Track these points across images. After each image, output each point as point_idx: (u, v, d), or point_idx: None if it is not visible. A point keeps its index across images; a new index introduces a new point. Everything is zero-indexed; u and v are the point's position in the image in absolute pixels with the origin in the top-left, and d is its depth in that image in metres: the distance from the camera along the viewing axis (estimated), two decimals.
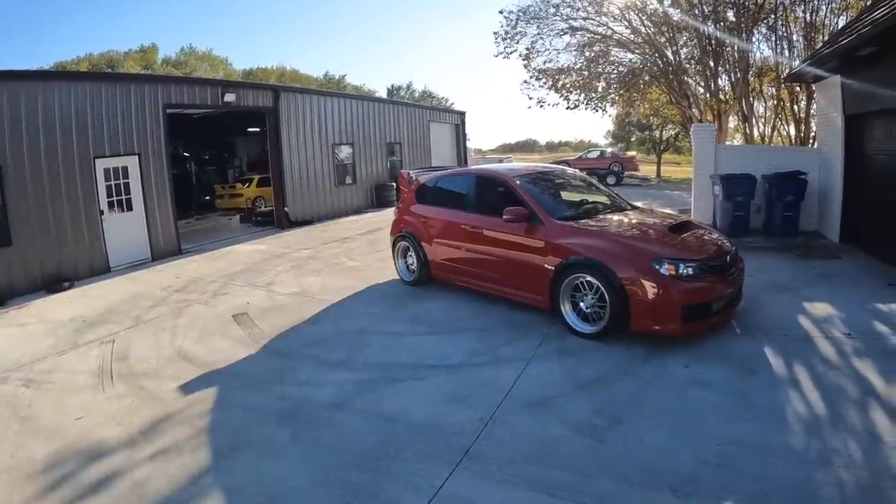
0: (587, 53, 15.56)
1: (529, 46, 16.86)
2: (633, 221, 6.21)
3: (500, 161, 26.77)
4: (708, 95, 13.87)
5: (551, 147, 66.84)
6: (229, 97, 12.63)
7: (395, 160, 18.85)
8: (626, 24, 14.57)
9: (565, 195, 7.04)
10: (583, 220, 6.15)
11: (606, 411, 4.01)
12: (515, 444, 3.70)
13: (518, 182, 6.69)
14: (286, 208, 13.97)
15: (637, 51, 14.51)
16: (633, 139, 40.62)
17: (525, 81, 18.30)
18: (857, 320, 5.52)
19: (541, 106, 18.20)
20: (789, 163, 9.91)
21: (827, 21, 12.46)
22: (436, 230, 7.44)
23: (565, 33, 15.72)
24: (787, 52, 12.60)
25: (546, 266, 5.79)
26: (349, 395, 4.59)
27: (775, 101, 13.80)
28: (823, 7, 12.28)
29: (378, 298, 7.39)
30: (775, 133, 13.59)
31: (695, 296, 5.02)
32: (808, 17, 12.38)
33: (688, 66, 13.80)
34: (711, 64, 12.92)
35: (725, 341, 5.15)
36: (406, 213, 8.09)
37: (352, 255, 10.30)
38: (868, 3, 8.26)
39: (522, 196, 6.42)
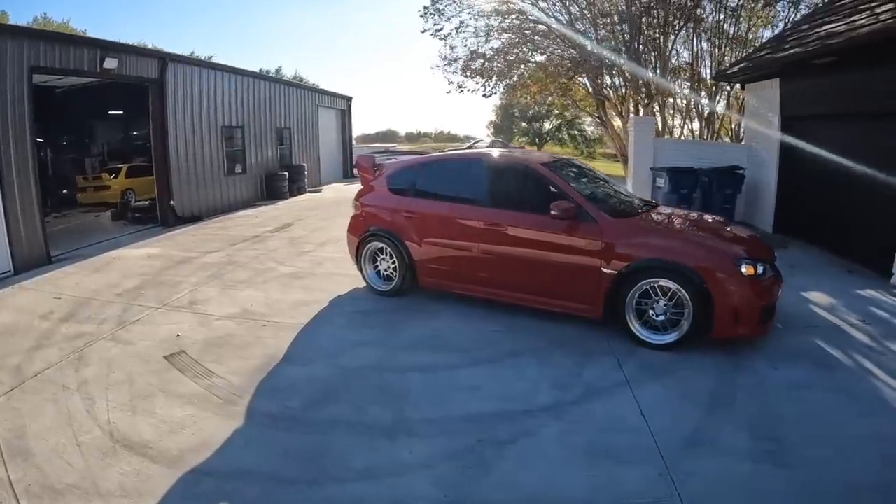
0: (506, 40, 14.52)
1: (458, 26, 15.29)
2: (683, 218, 5.51)
3: (386, 150, 25.07)
4: (624, 91, 13.68)
5: (411, 138, 65.77)
6: (110, 63, 9.48)
7: (285, 148, 16.30)
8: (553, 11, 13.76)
9: (592, 188, 5.82)
10: (635, 218, 5.26)
11: (759, 432, 3.44)
12: (728, 498, 2.87)
13: (551, 170, 5.51)
14: (172, 202, 11.09)
15: (556, 43, 13.84)
16: (515, 130, 40.42)
17: (439, 66, 16.69)
18: (855, 307, 5.55)
19: (460, 91, 16.76)
20: (720, 157, 9.96)
21: (742, 31, 13.00)
22: (428, 228, 5.94)
23: (490, 16, 14.53)
24: (705, 56, 12.98)
25: (604, 270, 4.83)
26: (455, 480, 3.06)
27: (686, 100, 14.06)
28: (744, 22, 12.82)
29: (357, 317, 5.67)
30: (684, 128, 13.95)
31: (769, 295, 4.62)
32: (725, 27, 12.79)
33: (609, 59, 13.42)
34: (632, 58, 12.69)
35: (779, 338, 4.81)
36: (375, 206, 6.41)
37: (278, 258, 8.21)
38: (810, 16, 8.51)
39: (563, 188, 5.27)
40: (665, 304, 4.64)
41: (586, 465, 3.13)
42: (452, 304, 5.88)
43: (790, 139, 8.72)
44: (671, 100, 14.33)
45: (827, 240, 7.90)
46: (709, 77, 13.53)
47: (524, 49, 14.05)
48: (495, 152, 6.39)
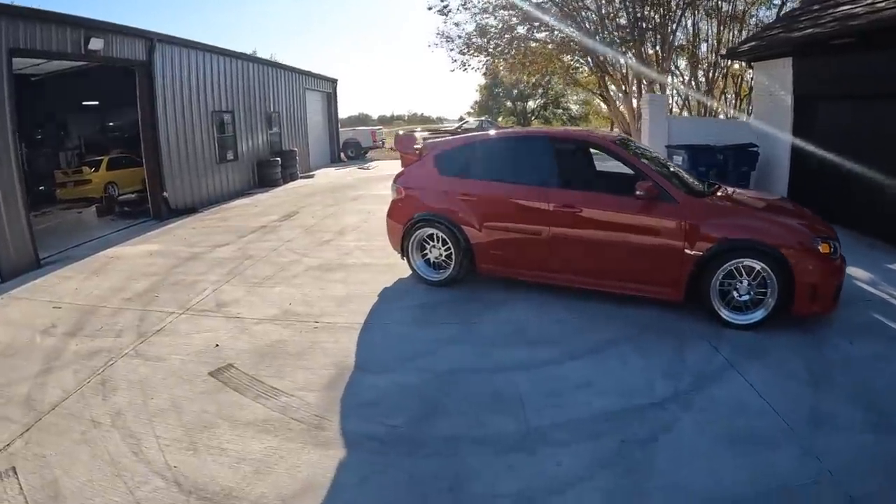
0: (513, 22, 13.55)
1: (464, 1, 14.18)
2: (752, 198, 5.18)
3: (373, 132, 23.88)
4: (626, 69, 12.98)
5: (384, 121, 63.92)
6: (96, 44, 8.06)
7: (275, 133, 15.01)
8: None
9: (659, 167, 5.18)
10: (709, 197, 4.80)
11: (865, 405, 3.25)
12: (871, 469, 2.69)
13: (624, 148, 5.01)
14: (165, 193, 9.86)
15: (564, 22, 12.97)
16: (501, 110, 39.19)
17: (438, 43, 15.56)
18: (892, 281, 5.37)
19: (464, 69, 15.72)
20: (733, 135, 9.46)
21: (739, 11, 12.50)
22: (490, 211, 5.19)
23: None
24: (704, 35, 12.45)
25: (687, 252, 4.43)
26: (622, 488, 2.57)
27: (688, 77, 13.54)
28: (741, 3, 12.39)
29: (419, 312, 4.85)
30: (683, 106, 13.44)
31: (841, 273, 4.44)
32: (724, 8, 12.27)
33: (612, 37, 12.65)
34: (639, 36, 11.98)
35: (839, 313, 4.50)
36: (422, 189, 5.55)
37: (298, 249, 7.24)
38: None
39: (641, 167, 4.80)
40: (749, 284, 4.34)
41: (735, 454, 2.84)
42: (514, 291, 5.16)
43: (804, 117, 8.36)
44: (671, 78, 13.81)
45: (843, 217, 7.43)
46: (711, 55, 13.12)
47: (527, 25, 13.22)
48: (558, 129, 5.66)
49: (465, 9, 13.90)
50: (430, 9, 14.57)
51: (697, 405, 3.31)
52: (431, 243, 5.51)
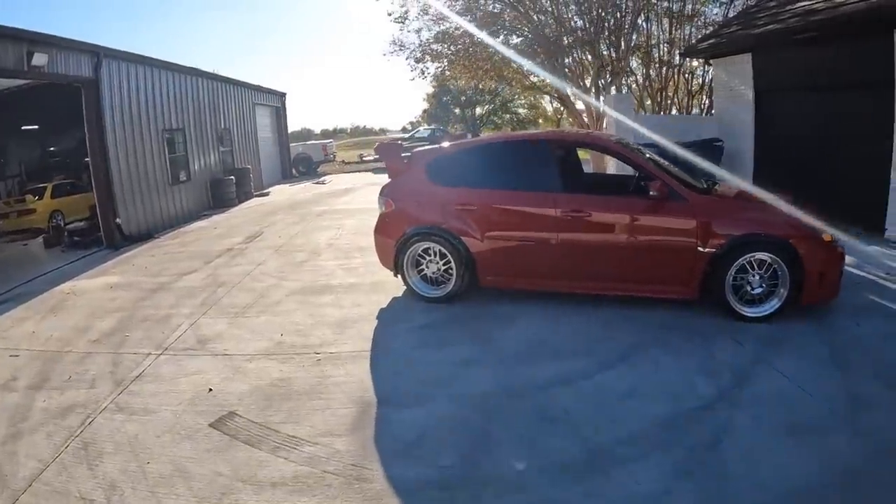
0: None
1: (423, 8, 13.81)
2: (748, 190, 5.30)
3: (325, 146, 23.14)
4: (583, 68, 13.00)
5: (327, 135, 62.58)
6: (40, 59, 7.19)
7: (227, 151, 14.17)
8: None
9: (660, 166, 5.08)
10: (715, 195, 4.78)
11: (891, 382, 3.37)
12: None
13: (629, 149, 4.95)
14: (118, 220, 9.00)
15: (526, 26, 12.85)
16: (450, 118, 38.71)
17: (393, 52, 15.10)
18: (872, 262, 5.57)
19: (423, 76, 15.35)
20: (694, 130, 9.61)
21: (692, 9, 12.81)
22: (493, 220, 4.92)
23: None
24: (660, 34, 12.65)
25: (700, 249, 4.36)
26: (708, 496, 2.27)
27: (643, 76, 13.73)
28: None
29: (428, 332, 4.52)
30: (640, 103, 13.59)
31: (843, 259, 4.51)
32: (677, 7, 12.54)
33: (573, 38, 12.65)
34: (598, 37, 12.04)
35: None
36: (414, 201, 5.22)
37: (274, 273, 6.69)
38: None
39: (649, 167, 4.68)
40: (760, 277, 4.36)
41: (796, 444, 2.82)
42: (520, 303, 4.91)
43: (765, 111, 8.57)
44: (626, 77, 14.00)
45: (809, 204, 7.81)
46: (665, 54, 13.41)
47: (483, 32, 13.05)
48: (559, 132, 5.44)
49: (425, 13, 13.58)
50: (389, 14, 14.17)
51: (744, 402, 3.27)
52: (428, 258, 5.17)
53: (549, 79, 13.29)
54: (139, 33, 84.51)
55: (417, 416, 3.21)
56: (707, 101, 14.01)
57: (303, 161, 21.48)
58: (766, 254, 4.31)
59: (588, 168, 9.13)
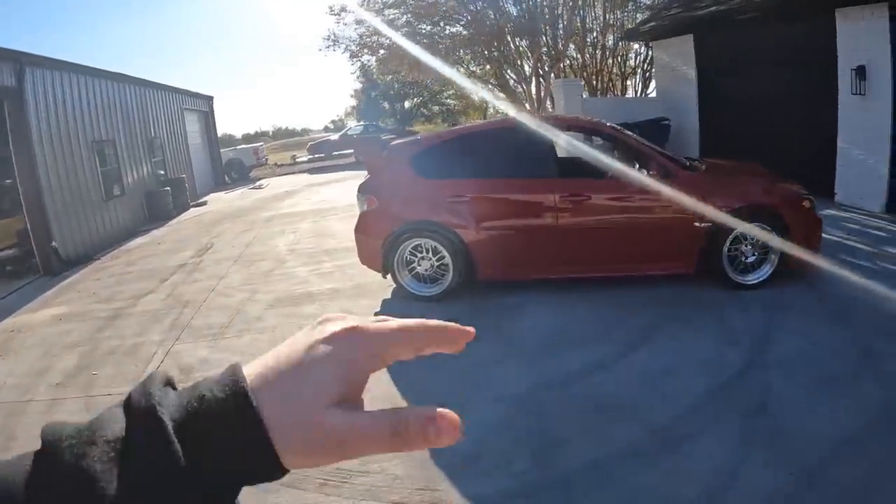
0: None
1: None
2: (733, 167, 5.38)
3: (256, 149, 21.91)
4: (521, 55, 12.97)
5: (248, 139, 60.05)
6: None
7: (159, 161, 13.01)
8: None
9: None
10: (702, 171, 4.90)
11: (887, 330, 3.63)
12: None
13: (619, 131, 5.01)
14: (54, 243, 7.97)
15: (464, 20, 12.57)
16: (380, 113, 37.68)
17: (330, 45, 14.36)
18: (830, 223, 5.71)
19: (364, 72, 14.92)
20: (642, 110, 9.88)
21: None
22: (489, 211, 4.75)
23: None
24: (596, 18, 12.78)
25: (697, 224, 4.44)
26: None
27: (579, 62, 13.87)
28: None
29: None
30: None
31: (821, 224, 4.75)
32: None
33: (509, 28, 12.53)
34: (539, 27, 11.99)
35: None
36: (400, 196, 4.92)
37: (243, 286, 6.13)
38: None
39: (643, 148, 4.80)
40: (752, 246, 4.53)
41: (832, 396, 2.98)
42: (520, 295, 4.78)
43: (708, 89, 8.94)
44: (565, 62, 14.13)
45: None
46: (597, 39, 13.65)
47: (420, 25, 12.72)
48: (550, 115, 5.29)
49: (368, 8, 13.05)
50: (331, 8, 13.56)
51: (772, 364, 3.38)
52: (420, 255, 4.88)
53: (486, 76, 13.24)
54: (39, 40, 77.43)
55: (466, 424, 2.94)
56: (641, 83, 14.45)
57: (235, 166, 20.26)
58: (758, 224, 4.40)
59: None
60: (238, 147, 22.84)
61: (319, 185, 15.44)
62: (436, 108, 36.01)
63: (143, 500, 0.30)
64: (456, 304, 4.77)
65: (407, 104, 35.23)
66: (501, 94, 13.77)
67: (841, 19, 6.29)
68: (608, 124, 5.04)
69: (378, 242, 4.91)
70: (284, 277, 6.32)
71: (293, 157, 24.36)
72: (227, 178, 19.68)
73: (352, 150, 21.17)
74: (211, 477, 0.31)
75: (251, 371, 0.35)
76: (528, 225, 4.69)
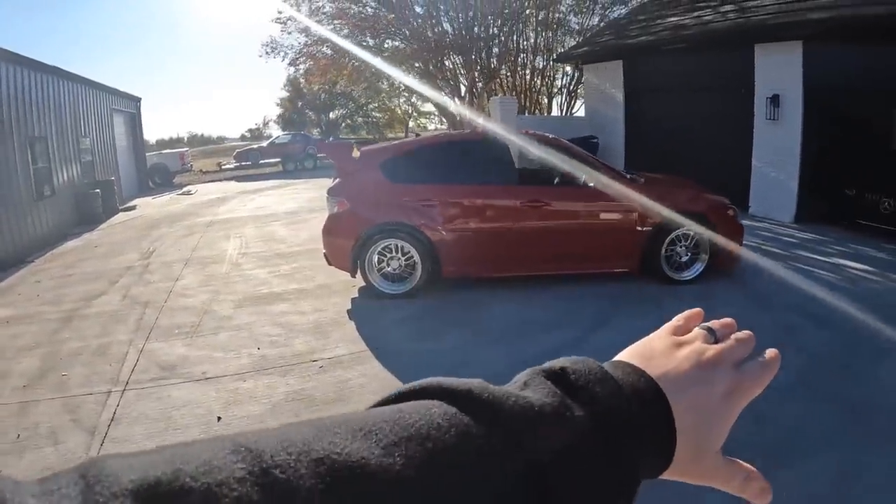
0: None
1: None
2: (666, 180, 6.00)
3: (182, 154, 20.86)
4: (456, 73, 13.40)
5: (162, 145, 56.56)
6: None
7: (88, 162, 12.14)
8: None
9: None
10: (641, 182, 5.44)
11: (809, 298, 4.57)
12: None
13: (569, 144, 5.52)
14: None
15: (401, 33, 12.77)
16: (307, 122, 36.78)
17: (269, 52, 14.03)
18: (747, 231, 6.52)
19: (305, 79, 14.62)
20: (572, 129, 10.69)
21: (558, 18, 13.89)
22: (456, 214, 5.11)
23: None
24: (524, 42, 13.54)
25: (639, 228, 5.06)
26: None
27: (509, 81, 14.55)
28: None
29: (411, 326, 4.57)
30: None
31: (743, 230, 5.38)
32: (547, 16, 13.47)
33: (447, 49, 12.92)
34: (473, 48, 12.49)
35: None
36: (371, 200, 5.15)
37: (203, 288, 6.03)
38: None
39: (587, 157, 5.37)
40: (685, 248, 5.17)
41: (789, 348, 3.54)
42: (480, 291, 5.20)
43: (635, 110, 9.84)
44: (498, 80, 14.81)
45: None
46: (527, 60, 14.49)
47: (363, 38, 12.85)
48: (509, 130, 5.66)
49: (315, 16, 12.97)
50: (280, 12, 13.38)
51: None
52: (389, 255, 5.11)
53: (424, 88, 13.61)
54: None
55: None
56: (566, 102, 15.40)
57: (159, 171, 19.23)
58: (689, 229, 5.05)
59: None
60: (163, 152, 21.71)
61: (251, 192, 15.10)
62: (360, 119, 36.01)
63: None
64: (418, 301, 5.04)
65: (332, 115, 35.00)
66: (435, 108, 14.15)
67: (760, 53, 7.26)
68: (563, 140, 5.53)
69: (349, 243, 5.09)
70: (243, 279, 6.29)
71: (219, 164, 23.47)
72: (150, 182, 18.68)
73: (279, 160, 20.82)
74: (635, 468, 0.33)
75: (654, 375, 0.37)
76: (490, 227, 5.09)
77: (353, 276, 5.23)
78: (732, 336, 0.44)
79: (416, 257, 5.05)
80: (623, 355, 0.40)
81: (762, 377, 0.43)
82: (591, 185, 4.99)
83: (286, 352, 4.19)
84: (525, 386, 0.34)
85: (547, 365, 0.35)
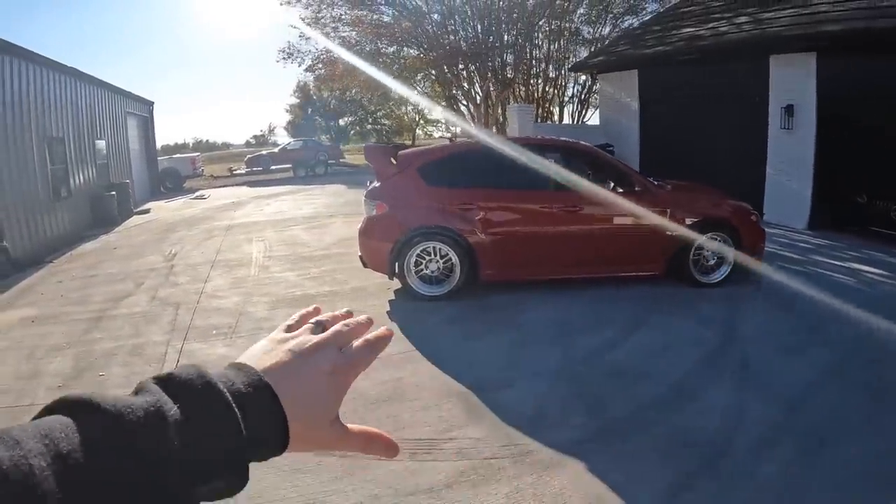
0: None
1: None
2: (690, 186, 6.05)
3: (193, 159, 20.89)
4: (471, 79, 13.52)
5: (168, 150, 56.79)
6: None
7: (103, 164, 12.17)
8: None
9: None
10: (668, 188, 5.56)
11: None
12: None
13: (601, 151, 5.74)
14: (4, 243, 7.26)
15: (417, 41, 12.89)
16: (317, 128, 37.01)
17: (286, 59, 14.11)
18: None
19: (320, 86, 14.76)
20: (588, 137, 10.70)
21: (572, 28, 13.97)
22: (496, 218, 5.12)
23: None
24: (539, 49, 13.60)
25: (668, 233, 5.11)
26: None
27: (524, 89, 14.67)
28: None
29: (455, 327, 4.55)
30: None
31: (765, 234, 5.54)
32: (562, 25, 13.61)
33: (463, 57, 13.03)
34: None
35: None
36: (411, 203, 5.16)
37: (233, 290, 6.00)
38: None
39: (623, 167, 5.52)
40: (712, 251, 5.24)
41: (796, 358, 3.72)
42: (515, 294, 5.19)
43: (650, 119, 9.95)
44: (511, 89, 14.93)
45: None
46: (541, 69, 14.58)
47: (382, 46, 12.97)
48: (540, 137, 5.72)
49: (333, 24, 13.09)
50: (302, 20, 13.49)
51: (743, 339, 4.15)
52: (428, 258, 5.10)
53: (442, 98, 13.70)
54: None
55: (518, 394, 3.33)
56: (578, 111, 15.50)
57: (170, 176, 19.27)
58: (716, 233, 5.20)
59: None
60: (174, 156, 21.73)
61: (265, 197, 15.10)
62: (369, 126, 36.26)
63: (213, 465, 0.36)
64: (455, 303, 5.03)
65: (342, 122, 35.20)
66: (451, 113, 14.24)
67: (774, 64, 7.35)
68: (595, 147, 5.61)
69: (387, 246, 5.08)
70: (273, 282, 6.26)
71: (230, 170, 23.51)
72: (161, 187, 18.70)
73: (290, 166, 20.87)
74: (250, 451, 0.38)
75: (263, 371, 0.43)
76: (527, 231, 5.12)
77: (391, 278, 5.21)
78: (339, 324, 0.50)
79: (455, 260, 5.04)
80: (240, 357, 0.46)
81: (364, 356, 0.48)
82: (622, 190, 5.10)
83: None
84: (138, 391, 0.38)
85: (160, 373, 0.39)
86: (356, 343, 0.49)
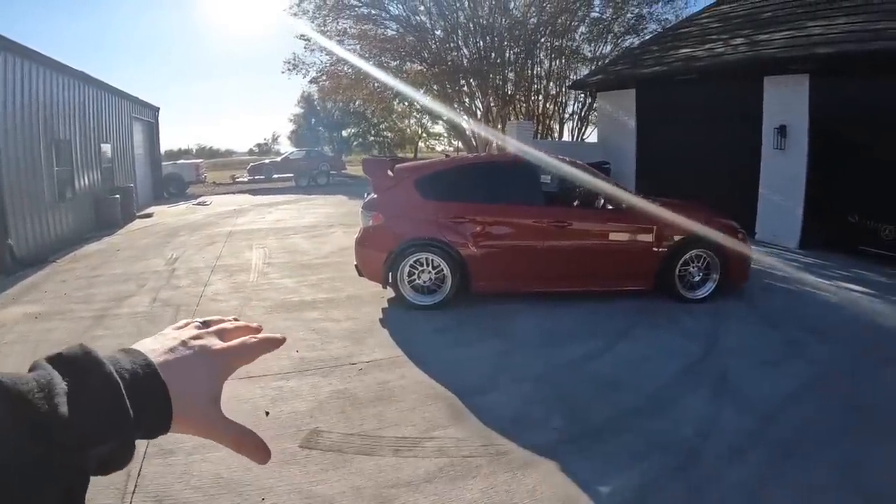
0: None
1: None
2: (680, 202, 6.08)
3: (197, 165, 21.22)
4: (472, 95, 13.82)
5: (171, 156, 57.13)
6: None
7: (107, 168, 12.44)
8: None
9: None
10: (656, 206, 5.63)
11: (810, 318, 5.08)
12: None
13: (591, 167, 5.83)
14: (10, 241, 7.47)
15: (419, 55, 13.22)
16: (320, 138, 37.44)
17: (291, 69, 14.44)
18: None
19: (325, 97, 15.08)
20: (585, 154, 10.94)
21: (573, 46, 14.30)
22: (487, 232, 5.32)
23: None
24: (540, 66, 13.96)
25: (655, 249, 5.32)
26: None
27: (525, 106, 14.97)
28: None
29: (446, 335, 4.72)
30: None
31: (751, 251, 5.70)
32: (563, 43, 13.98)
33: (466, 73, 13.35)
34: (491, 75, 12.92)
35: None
36: (406, 215, 5.38)
37: (233, 294, 6.21)
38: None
39: (608, 182, 5.68)
40: (698, 268, 5.44)
41: (776, 371, 3.91)
42: (509, 303, 5.37)
43: (646, 137, 10.19)
44: (512, 105, 15.23)
45: None
46: (541, 86, 14.90)
47: (386, 60, 13.29)
48: (535, 154, 5.93)
49: (338, 37, 13.43)
50: (303, 34, 13.81)
51: (723, 352, 4.30)
52: (420, 268, 5.31)
53: (443, 109, 13.99)
54: None
55: (501, 398, 3.50)
56: (576, 128, 15.80)
57: (174, 181, 19.56)
58: (702, 250, 5.33)
59: None
60: (178, 162, 22.05)
61: (267, 205, 15.35)
62: (372, 138, 36.70)
63: (101, 439, 0.38)
64: (449, 312, 5.22)
65: (345, 133, 35.66)
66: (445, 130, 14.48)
67: (768, 85, 7.61)
68: (587, 164, 5.81)
69: (382, 255, 5.29)
70: (272, 287, 6.46)
71: (233, 177, 23.83)
72: (165, 192, 18.97)
73: (292, 175, 21.19)
74: (136, 429, 0.41)
75: (149, 354, 0.46)
76: (518, 245, 5.32)
77: (385, 287, 5.41)
78: (225, 322, 0.56)
79: (446, 271, 5.24)
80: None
81: (247, 347, 0.53)
82: (611, 207, 5.28)
83: (324, 355, 4.34)
84: (32, 369, 0.41)
85: (50, 352, 0.43)
86: (244, 337, 0.54)
